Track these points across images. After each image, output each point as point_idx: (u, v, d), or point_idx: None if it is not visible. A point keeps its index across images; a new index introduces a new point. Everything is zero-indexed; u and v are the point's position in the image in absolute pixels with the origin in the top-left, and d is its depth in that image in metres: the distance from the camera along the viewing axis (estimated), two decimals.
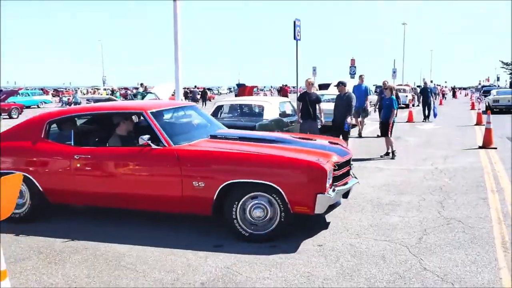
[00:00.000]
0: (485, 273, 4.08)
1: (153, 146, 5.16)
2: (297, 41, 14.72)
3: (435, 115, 19.58)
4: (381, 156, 10.18)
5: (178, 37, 14.86)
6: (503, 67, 75.94)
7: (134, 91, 33.55)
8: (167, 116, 6.00)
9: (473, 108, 27.85)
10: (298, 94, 10.71)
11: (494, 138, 11.59)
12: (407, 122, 18.99)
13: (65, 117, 6.04)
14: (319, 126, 10.14)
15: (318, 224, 5.45)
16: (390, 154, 10.15)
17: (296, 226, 5.37)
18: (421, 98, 20.35)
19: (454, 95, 53.32)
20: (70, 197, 5.58)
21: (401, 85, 37.16)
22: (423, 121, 19.11)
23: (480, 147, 11.31)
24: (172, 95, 20.83)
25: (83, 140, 5.72)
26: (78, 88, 64.06)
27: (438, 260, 4.35)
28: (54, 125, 5.91)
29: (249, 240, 4.88)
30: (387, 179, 7.89)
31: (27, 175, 5.45)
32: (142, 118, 5.65)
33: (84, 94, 42.60)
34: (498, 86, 60.46)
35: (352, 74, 30.54)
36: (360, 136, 14.10)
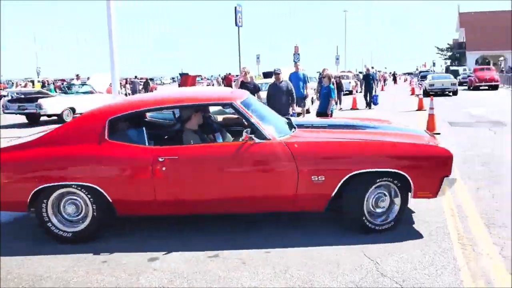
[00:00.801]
0: (444, 275, 3.77)
1: (256, 140, 4.53)
2: (238, 27, 14.25)
3: (375, 103, 19.65)
4: None
5: (112, 25, 13.90)
6: (438, 53, 79.06)
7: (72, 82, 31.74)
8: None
9: (413, 93, 28.61)
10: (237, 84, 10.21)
11: (436, 123, 11.63)
12: (351, 109, 18.99)
13: (131, 113, 4.93)
14: None
15: (265, 226, 4.99)
16: None
17: (239, 231, 4.89)
18: (364, 85, 20.41)
19: (395, 81, 54.74)
20: (149, 207, 4.68)
21: (344, 71, 37.53)
22: (366, 108, 19.17)
23: None
24: (110, 85, 19.75)
25: (154, 139, 4.89)
26: (11, 81, 60.19)
27: (395, 262, 4.01)
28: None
29: (372, 232, 4.63)
30: None
31: (92, 185, 4.52)
32: (231, 109, 4.92)
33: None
34: (434, 71, 62.86)
35: (296, 61, 30.41)
36: None
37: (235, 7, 14.04)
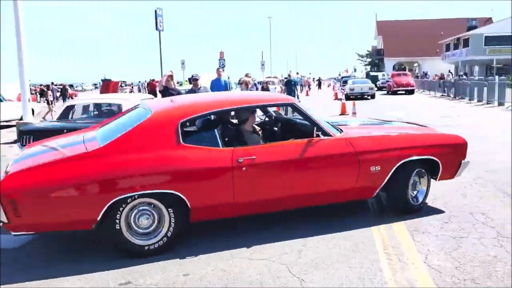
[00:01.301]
0: None
1: (322, 137, 4.85)
2: (159, 32, 13.73)
3: None
4: None
5: (20, 29, 12.85)
6: (359, 59, 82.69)
7: None
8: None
9: (336, 98, 29.45)
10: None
11: None
12: None
13: (202, 115, 4.86)
14: None
15: (184, 245, 4.60)
16: None
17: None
18: (285, 91, 20.22)
19: (319, 86, 56.18)
20: (225, 209, 4.59)
21: (269, 77, 37.92)
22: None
23: None
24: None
25: (221, 140, 4.70)
26: None
27: (321, 279, 3.79)
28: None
29: (414, 212, 5.31)
30: None
31: (173, 192, 4.26)
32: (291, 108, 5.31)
33: None
34: (355, 76, 65.52)
35: (222, 67, 30.20)
36: None
37: (155, 11, 13.47)
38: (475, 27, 53.72)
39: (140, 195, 4.21)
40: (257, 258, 4.22)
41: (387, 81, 38.14)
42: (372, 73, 52.90)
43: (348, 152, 4.88)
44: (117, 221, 4.19)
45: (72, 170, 4.07)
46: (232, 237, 4.77)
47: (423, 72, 54.70)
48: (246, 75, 11.72)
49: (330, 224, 5.06)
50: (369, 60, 79.08)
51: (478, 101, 23.03)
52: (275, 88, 28.35)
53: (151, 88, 29.17)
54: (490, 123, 14.01)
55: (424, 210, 5.45)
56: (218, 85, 11.73)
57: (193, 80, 9.37)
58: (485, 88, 22.40)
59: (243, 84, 9.62)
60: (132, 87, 51.83)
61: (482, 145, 9.43)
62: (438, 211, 5.43)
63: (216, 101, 5.21)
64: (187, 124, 5.18)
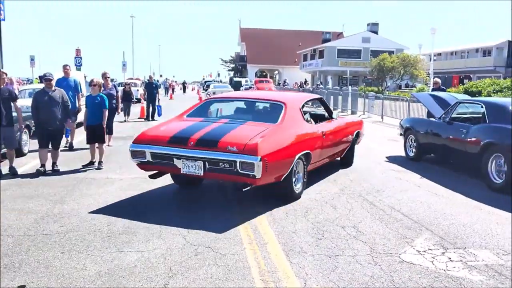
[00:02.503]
0: None
1: (334, 119, 7.95)
2: (0, 21, 11.89)
3: (159, 114, 18.45)
4: (83, 166, 8.36)
5: None
6: (223, 64, 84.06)
7: None
8: None
9: (201, 101, 29.12)
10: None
11: None
12: (139, 118, 17.94)
13: (308, 100, 7.72)
14: (20, 133, 8.07)
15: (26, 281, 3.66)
16: (96, 164, 8.39)
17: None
18: (146, 94, 18.70)
19: (184, 90, 55.52)
20: (313, 165, 6.88)
21: (131, 78, 36.28)
22: (145, 119, 17.83)
23: None
24: None
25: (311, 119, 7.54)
26: None
27: None
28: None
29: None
30: (119, 194, 6.49)
31: (309, 152, 6.44)
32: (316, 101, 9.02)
33: None
34: (221, 81, 66.46)
35: (78, 66, 27.92)
36: (71, 148, 10.52)
37: None
38: (328, 40, 58.02)
39: (300, 154, 6.15)
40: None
41: (250, 87, 39.09)
42: (236, 79, 53.89)
43: (344, 127, 8.16)
44: (291, 174, 6.00)
45: (280, 139, 5.87)
46: (79, 268, 3.94)
47: (284, 79, 57.44)
48: (104, 75, 10.54)
49: (199, 245, 4.51)
50: (232, 65, 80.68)
51: (334, 109, 24.56)
52: (138, 90, 27.07)
53: None
54: None
55: (298, 223, 5.22)
56: (65, 85, 9.78)
57: (45, 80, 7.95)
58: (340, 97, 24.00)
59: (97, 86, 8.38)
60: None
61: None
62: (311, 226, 5.23)
63: (304, 95, 8.45)
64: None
